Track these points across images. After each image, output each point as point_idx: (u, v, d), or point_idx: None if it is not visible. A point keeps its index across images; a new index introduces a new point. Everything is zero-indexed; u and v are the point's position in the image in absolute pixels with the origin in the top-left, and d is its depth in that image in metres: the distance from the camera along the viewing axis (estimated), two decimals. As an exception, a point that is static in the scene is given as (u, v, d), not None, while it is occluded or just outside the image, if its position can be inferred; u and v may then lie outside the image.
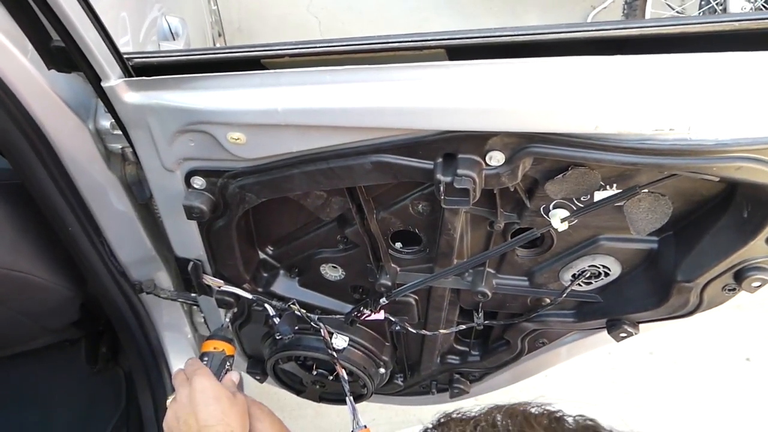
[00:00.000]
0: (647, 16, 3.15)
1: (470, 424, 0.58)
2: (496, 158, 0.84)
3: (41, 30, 0.86)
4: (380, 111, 0.81)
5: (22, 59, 0.90)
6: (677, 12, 3.30)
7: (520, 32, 0.77)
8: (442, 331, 1.29)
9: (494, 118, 0.78)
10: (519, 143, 0.82)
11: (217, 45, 3.02)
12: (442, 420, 0.62)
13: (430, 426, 0.62)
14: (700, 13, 3.05)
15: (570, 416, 0.59)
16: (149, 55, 0.92)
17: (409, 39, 0.79)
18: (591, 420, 0.59)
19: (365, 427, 1.14)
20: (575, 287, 1.12)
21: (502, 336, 1.34)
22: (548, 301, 1.19)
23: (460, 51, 0.79)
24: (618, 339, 1.16)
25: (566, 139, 0.79)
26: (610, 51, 0.73)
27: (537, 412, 0.59)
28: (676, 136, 0.75)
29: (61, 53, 0.87)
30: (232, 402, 1.06)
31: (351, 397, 1.21)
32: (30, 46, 0.89)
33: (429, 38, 0.79)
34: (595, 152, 0.78)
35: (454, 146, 0.84)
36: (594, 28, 0.75)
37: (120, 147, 1.06)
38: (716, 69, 0.72)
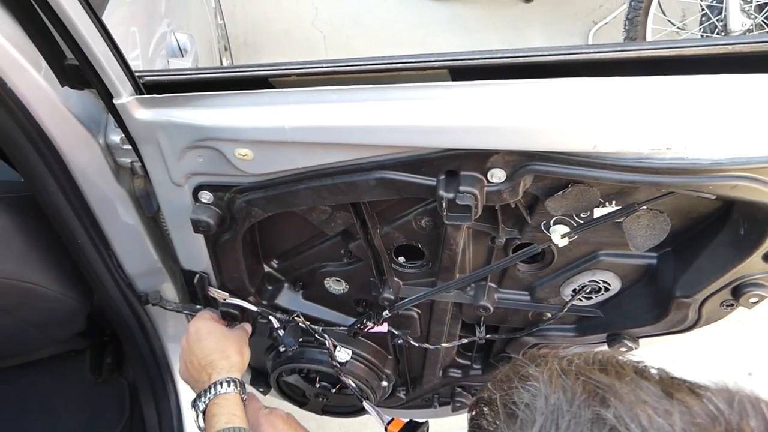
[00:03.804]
0: (648, 31, 3.17)
1: (564, 360, 0.59)
2: (497, 175, 0.86)
3: (56, 48, 0.88)
4: (384, 129, 0.83)
5: (36, 76, 0.92)
6: (678, 28, 3.32)
7: (520, 54, 0.78)
8: (444, 344, 1.30)
9: (496, 137, 0.80)
10: (520, 161, 0.84)
11: (224, 59, 3.05)
12: (539, 355, 0.62)
13: (524, 363, 0.60)
14: (700, 29, 3.07)
15: (653, 368, 0.59)
16: (160, 73, 0.94)
17: (413, 59, 0.81)
18: (675, 377, 0.57)
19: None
20: (576, 302, 1.13)
21: (503, 350, 1.35)
22: (549, 315, 1.20)
23: (463, 71, 0.80)
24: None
25: (566, 157, 0.80)
26: (609, 73, 0.75)
27: (622, 361, 0.59)
28: (673, 155, 0.76)
29: (75, 71, 0.90)
30: (224, 333, 1.11)
31: (367, 402, 1.23)
32: (44, 63, 0.91)
33: (432, 59, 0.81)
34: (594, 170, 0.80)
35: (457, 164, 0.86)
36: (593, 51, 0.77)
37: (129, 161, 1.08)
38: (711, 90, 0.73)
